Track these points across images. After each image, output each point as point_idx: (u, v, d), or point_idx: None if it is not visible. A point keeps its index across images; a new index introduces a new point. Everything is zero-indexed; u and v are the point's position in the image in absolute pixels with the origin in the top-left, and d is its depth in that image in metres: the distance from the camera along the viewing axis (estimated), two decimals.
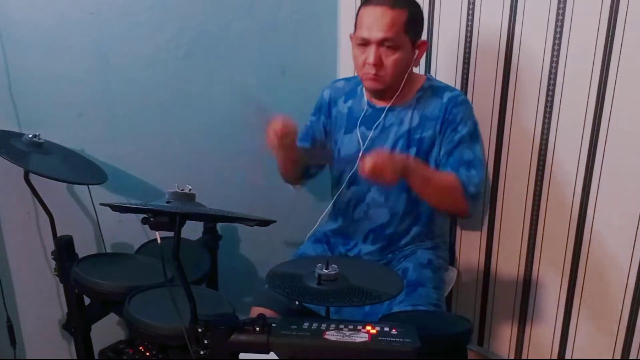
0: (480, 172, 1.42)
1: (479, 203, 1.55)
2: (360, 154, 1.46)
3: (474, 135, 1.45)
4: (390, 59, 1.37)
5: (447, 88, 1.48)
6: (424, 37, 1.72)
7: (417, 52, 1.42)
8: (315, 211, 1.69)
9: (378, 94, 1.47)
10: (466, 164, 1.41)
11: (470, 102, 1.50)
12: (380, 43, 1.35)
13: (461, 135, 1.42)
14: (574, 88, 1.47)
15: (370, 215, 1.52)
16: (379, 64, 1.37)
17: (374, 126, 1.49)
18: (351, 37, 1.45)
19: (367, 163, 1.23)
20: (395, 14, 1.33)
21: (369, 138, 1.49)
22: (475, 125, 1.46)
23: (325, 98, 1.61)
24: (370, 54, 1.36)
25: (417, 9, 1.41)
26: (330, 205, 1.63)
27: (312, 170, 1.62)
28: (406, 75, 1.42)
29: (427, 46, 1.44)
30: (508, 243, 1.73)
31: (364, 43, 1.38)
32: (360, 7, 1.40)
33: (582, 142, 1.49)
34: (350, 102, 1.56)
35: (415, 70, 1.50)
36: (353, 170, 1.50)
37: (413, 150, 1.46)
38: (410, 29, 1.37)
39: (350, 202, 1.55)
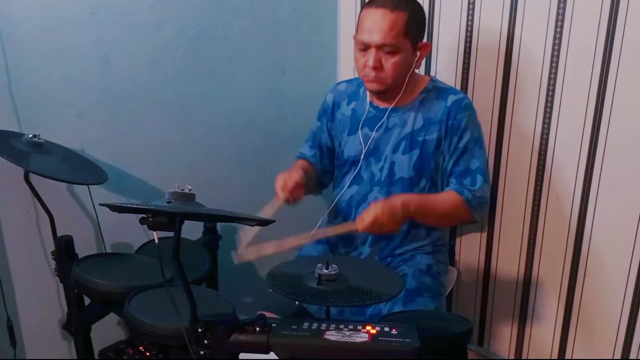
0: (485, 178, 1.46)
1: (486, 208, 1.58)
2: (362, 155, 1.49)
3: (478, 141, 1.47)
4: (390, 62, 1.37)
5: (451, 90, 1.48)
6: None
7: (418, 54, 1.42)
8: (315, 211, 1.69)
9: (380, 95, 1.47)
10: (472, 172, 1.44)
11: (474, 109, 1.49)
12: (380, 47, 1.36)
13: (466, 142, 1.44)
14: (574, 88, 1.47)
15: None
16: (378, 67, 1.38)
17: (377, 127, 1.49)
18: (354, 38, 1.45)
19: (367, 219, 1.27)
20: (395, 16, 1.33)
21: (371, 139, 1.49)
22: (479, 130, 1.48)
23: (328, 102, 1.62)
24: (370, 57, 1.37)
25: (419, 11, 1.40)
26: (332, 206, 1.63)
27: (325, 181, 1.67)
28: (408, 77, 1.42)
29: (430, 48, 1.43)
30: (508, 243, 1.73)
31: (364, 48, 1.38)
32: (362, 8, 1.40)
33: (582, 142, 1.49)
34: (353, 104, 1.56)
35: (418, 71, 1.51)
36: (356, 171, 1.51)
37: (416, 152, 1.46)
38: (411, 32, 1.36)
39: (351, 201, 1.54)
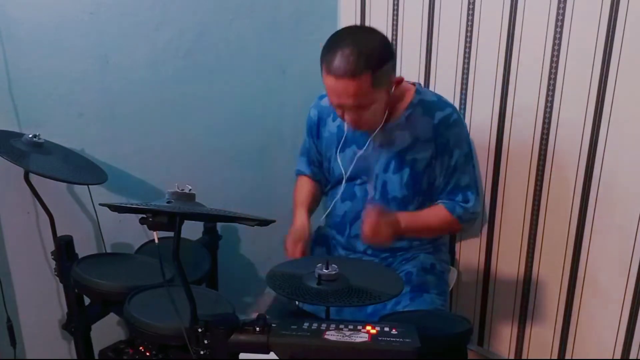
0: (476, 193, 1.47)
1: (475, 221, 1.61)
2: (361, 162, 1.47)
3: (469, 157, 1.45)
4: (366, 115, 1.33)
5: (437, 105, 1.42)
6: (423, 36, 1.74)
7: (393, 87, 1.35)
8: (315, 211, 1.69)
9: None
10: (463, 189, 1.45)
11: (462, 117, 1.47)
12: (353, 107, 1.31)
13: (456, 160, 1.42)
14: (574, 88, 1.47)
15: (362, 241, 1.46)
16: (356, 120, 1.34)
17: (364, 146, 1.45)
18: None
19: (368, 229, 1.30)
20: (357, 82, 1.24)
21: (358, 157, 1.46)
22: (469, 145, 1.46)
23: (313, 119, 1.57)
24: (347, 115, 1.33)
25: (381, 58, 1.27)
26: (324, 216, 1.61)
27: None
28: (388, 108, 1.38)
29: (402, 80, 1.37)
30: (508, 243, 1.73)
31: (336, 106, 1.34)
32: (322, 69, 1.30)
33: (582, 142, 1.49)
34: (338, 120, 1.50)
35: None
36: (343, 189, 1.49)
37: (407, 171, 1.43)
38: (379, 83, 1.28)
39: (345, 217, 1.52)
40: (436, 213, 1.45)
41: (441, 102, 1.44)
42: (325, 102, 1.54)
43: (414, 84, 1.47)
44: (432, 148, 1.41)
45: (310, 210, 1.58)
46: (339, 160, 1.50)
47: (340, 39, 1.29)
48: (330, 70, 1.26)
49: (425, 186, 1.46)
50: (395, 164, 1.44)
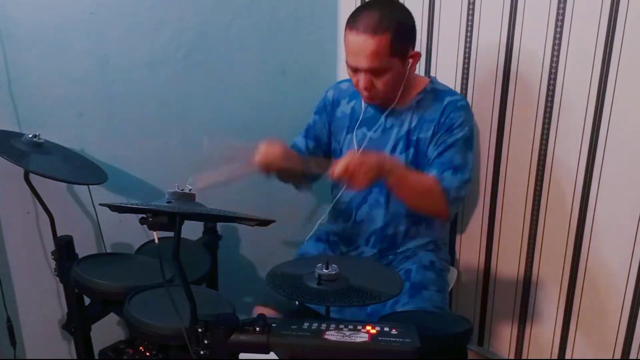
0: (466, 177, 1.41)
1: (459, 206, 1.53)
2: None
3: (468, 142, 1.43)
4: (380, 81, 1.36)
5: (449, 92, 1.47)
6: (423, 37, 1.74)
7: (410, 61, 1.40)
8: (315, 211, 1.69)
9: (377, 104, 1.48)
10: (454, 168, 1.39)
11: (471, 106, 1.49)
12: (368, 70, 1.35)
13: (455, 138, 1.40)
14: (574, 88, 1.47)
15: (372, 216, 1.52)
16: (369, 87, 1.37)
17: (374, 128, 1.49)
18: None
19: (339, 165, 1.23)
20: (377, 41, 1.30)
21: (368, 139, 1.49)
22: (471, 131, 1.44)
23: (329, 98, 1.61)
24: (360, 79, 1.37)
25: (403, 25, 1.35)
26: (332, 205, 1.63)
27: (315, 175, 1.59)
28: (402, 84, 1.41)
29: (419, 56, 1.42)
30: (508, 243, 1.73)
31: (353, 69, 1.38)
32: (346, 28, 1.35)
33: (582, 141, 1.49)
34: (353, 103, 1.56)
35: (418, 72, 1.50)
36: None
37: (411, 151, 1.46)
38: (397, 49, 1.33)
39: (351, 203, 1.54)
40: (424, 177, 1.40)
41: (453, 91, 1.50)
42: (344, 85, 1.61)
43: (429, 77, 1.53)
44: (435, 127, 1.43)
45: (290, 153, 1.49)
46: (346, 142, 1.53)
47: (371, 1, 1.39)
48: (352, 25, 1.32)
49: (426, 167, 1.46)
50: (402, 144, 1.46)
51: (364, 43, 1.30)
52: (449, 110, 1.42)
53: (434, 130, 1.43)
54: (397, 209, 1.50)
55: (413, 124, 1.46)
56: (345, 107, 1.57)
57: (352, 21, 1.33)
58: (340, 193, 1.56)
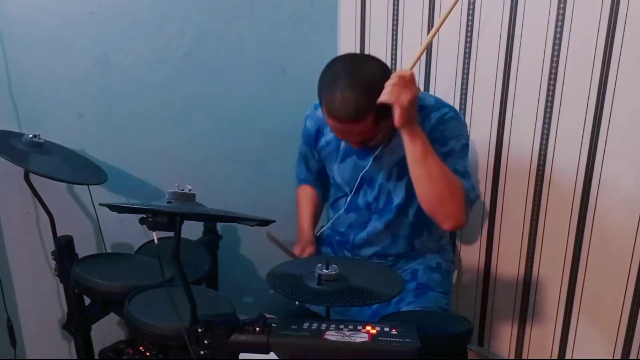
0: (472, 183, 1.35)
1: (469, 207, 1.41)
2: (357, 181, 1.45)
3: (465, 150, 1.36)
4: (372, 141, 1.34)
5: (434, 107, 1.37)
6: (424, 37, 1.74)
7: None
8: (318, 222, 1.70)
9: None
10: (460, 174, 1.31)
11: (462, 114, 1.42)
12: (359, 142, 1.33)
13: (451, 147, 1.33)
14: (574, 88, 1.47)
15: (371, 241, 1.49)
16: (362, 146, 1.36)
17: (365, 157, 1.43)
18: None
19: (392, 81, 1.20)
20: (361, 124, 1.22)
21: (361, 168, 1.44)
22: (466, 139, 1.37)
23: (310, 130, 1.53)
24: (352, 144, 1.36)
25: (379, 94, 1.21)
26: (328, 225, 1.60)
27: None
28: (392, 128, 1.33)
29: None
30: (508, 243, 1.73)
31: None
32: (324, 110, 1.26)
33: (582, 142, 1.49)
34: None
35: None
36: (349, 198, 1.49)
37: (408, 178, 1.36)
38: (383, 117, 1.24)
39: (350, 229, 1.52)
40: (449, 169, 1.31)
41: (439, 104, 1.39)
42: (320, 112, 1.40)
43: None
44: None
45: (315, 222, 1.61)
46: (337, 172, 1.49)
47: (338, 77, 1.23)
48: (331, 113, 1.23)
49: None
50: (398, 171, 1.41)
51: (349, 128, 1.25)
52: (437, 125, 1.35)
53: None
54: (398, 232, 1.47)
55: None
56: (328, 136, 1.49)
57: (329, 107, 1.23)
58: (337, 215, 1.53)
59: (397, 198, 1.43)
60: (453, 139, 1.34)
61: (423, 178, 1.26)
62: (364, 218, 1.49)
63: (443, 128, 1.34)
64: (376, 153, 1.41)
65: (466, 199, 1.28)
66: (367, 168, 1.43)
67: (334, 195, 1.58)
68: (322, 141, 1.51)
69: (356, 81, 1.21)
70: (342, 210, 1.51)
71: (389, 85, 1.20)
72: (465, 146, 1.37)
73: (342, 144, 1.47)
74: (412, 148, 1.25)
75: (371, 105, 1.20)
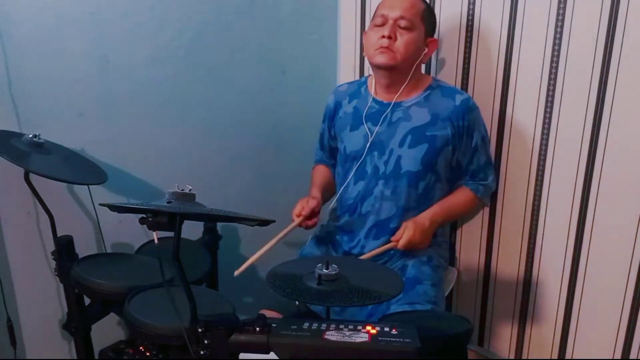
0: (492, 169, 1.61)
1: (490, 195, 1.69)
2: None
3: (485, 138, 1.57)
4: (404, 37, 1.43)
5: (456, 90, 1.53)
6: None
7: (427, 48, 1.48)
8: (327, 200, 1.70)
9: (387, 71, 1.48)
10: (482, 168, 1.57)
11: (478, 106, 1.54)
12: (398, 22, 1.42)
13: (476, 142, 1.52)
14: (574, 88, 1.47)
15: (377, 208, 1.53)
16: (393, 37, 1.43)
17: (380, 121, 1.50)
18: (365, 33, 1.52)
19: (403, 241, 1.43)
20: (414, 0, 1.44)
21: (375, 132, 1.51)
22: (484, 127, 1.57)
23: (330, 104, 1.66)
24: (386, 28, 1.43)
25: (432, 10, 1.51)
26: (334, 202, 1.63)
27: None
28: (414, 68, 1.46)
29: (437, 46, 1.53)
30: (508, 243, 1.73)
31: (381, 23, 1.44)
32: None
33: (582, 142, 1.49)
34: (355, 102, 1.59)
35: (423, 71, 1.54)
36: (358, 165, 1.53)
37: (425, 146, 1.48)
38: (426, 19, 1.46)
39: (357, 196, 1.55)
40: (463, 197, 1.58)
41: (459, 89, 1.56)
42: (342, 87, 1.67)
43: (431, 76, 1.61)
44: (450, 128, 1.48)
45: (324, 190, 1.65)
46: (348, 140, 1.57)
47: None
48: None
49: (439, 164, 1.51)
50: (412, 138, 1.48)
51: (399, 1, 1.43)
52: (463, 112, 1.48)
53: (450, 131, 1.48)
54: (402, 201, 1.51)
55: (425, 120, 1.48)
56: (347, 107, 1.60)
57: None
58: (346, 189, 1.57)
59: (407, 165, 1.49)
60: (477, 131, 1.52)
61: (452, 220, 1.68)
62: (371, 183, 1.53)
63: (468, 117, 1.49)
64: (392, 117, 1.50)
65: (484, 202, 1.66)
66: (380, 130, 1.51)
67: (342, 170, 1.61)
68: (340, 112, 1.62)
69: None
70: (351, 178, 1.55)
71: (406, 240, 1.44)
72: (486, 134, 1.57)
73: (359, 111, 1.56)
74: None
75: (425, 1, 1.50)
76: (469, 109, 1.49)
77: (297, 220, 1.49)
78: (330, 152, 1.72)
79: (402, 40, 1.43)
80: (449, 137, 1.48)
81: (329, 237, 1.63)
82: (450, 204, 1.56)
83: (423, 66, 1.78)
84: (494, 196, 1.72)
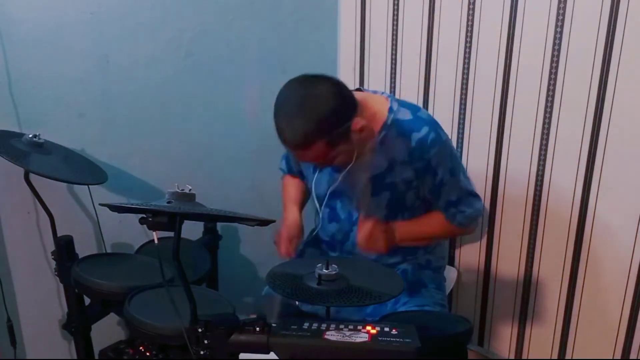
0: (470, 203, 1.39)
1: (478, 222, 1.50)
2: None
3: (455, 170, 1.36)
4: (334, 162, 1.28)
5: (413, 125, 1.31)
6: (424, 37, 1.74)
7: (359, 134, 1.22)
8: (315, 211, 1.69)
9: None
10: (454, 203, 1.38)
11: (441, 131, 1.35)
12: (317, 164, 1.35)
13: (441, 177, 1.34)
14: (574, 88, 1.47)
15: (358, 252, 1.42)
16: (325, 167, 1.36)
17: (340, 175, 1.40)
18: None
19: (363, 239, 1.32)
20: (313, 149, 1.18)
21: (336, 181, 1.42)
22: (452, 159, 1.36)
23: None
24: (320, 166, 1.38)
25: (332, 123, 1.17)
26: (312, 235, 1.57)
27: None
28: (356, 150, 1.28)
29: (365, 127, 1.21)
30: (508, 243, 1.73)
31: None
32: (276, 128, 1.23)
33: (582, 142, 1.49)
34: None
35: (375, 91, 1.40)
36: (329, 209, 1.47)
37: (386, 194, 1.38)
38: (337, 143, 1.20)
39: (335, 237, 1.50)
40: (436, 220, 1.41)
41: (417, 121, 1.33)
42: None
43: (385, 95, 1.38)
44: (410, 170, 1.34)
45: (301, 206, 1.55)
46: (314, 182, 1.46)
47: (286, 102, 1.22)
48: (282, 139, 1.21)
49: (408, 202, 1.40)
50: (373, 187, 1.37)
51: (302, 153, 1.23)
52: (420, 152, 1.31)
53: (410, 174, 1.34)
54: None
55: (382, 168, 1.35)
56: None
57: (279, 133, 1.21)
58: (320, 223, 1.50)
59: (374, 211, 1.38)
60: (441, 166, 1.33)
61: (424, 243, 1.49)
62: (346, 228, 1.47)
63: (428, 156, 1.31)
64: (346, 170, 1.35)
65: (465, 228, 1.45)
66: (336, 183, 1.41)
67: (314, 205, 1.54)
68: None
69: (305, 109, 1.18)
70: (325, 217, 1.48)
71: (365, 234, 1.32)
72: (455, 165, 1.36)
73: None
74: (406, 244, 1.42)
75: (320, 131, 1.16)
76: (427, 148, 1.30)
77: (286, 259, 1.40)
78: (298, 171, 1.58)
79: (335, 163, 1.28)
80: (412, 178, 1.35)
81: (321, 242, 1.59)
82: (417, 222, 1.42)
83: (423, 64, 1.78)
84: (494, 196, 1.72)
